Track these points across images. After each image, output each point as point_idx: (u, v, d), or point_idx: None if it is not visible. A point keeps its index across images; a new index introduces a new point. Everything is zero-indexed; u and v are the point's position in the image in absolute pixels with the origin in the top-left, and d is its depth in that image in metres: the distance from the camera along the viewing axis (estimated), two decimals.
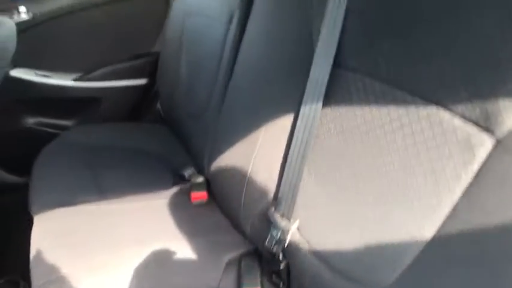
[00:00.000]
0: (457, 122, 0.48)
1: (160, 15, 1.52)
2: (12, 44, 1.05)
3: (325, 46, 0.67)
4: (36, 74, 1.38)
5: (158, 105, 1.50)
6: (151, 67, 1.51)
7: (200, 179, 1.09)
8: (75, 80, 1.41)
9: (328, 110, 0.67)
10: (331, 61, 0.66)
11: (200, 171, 1.12)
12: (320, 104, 0.67)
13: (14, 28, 1.07)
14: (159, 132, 1.40)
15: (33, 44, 1.35)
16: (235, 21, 1.03)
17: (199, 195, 1.02)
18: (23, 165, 1.20)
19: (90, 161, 1.14)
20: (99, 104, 1.48)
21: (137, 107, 1.57)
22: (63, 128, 1.45)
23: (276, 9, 0.88)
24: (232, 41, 1.02)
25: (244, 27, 0.99)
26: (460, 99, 0.48)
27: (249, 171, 0.85)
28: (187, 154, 1.24)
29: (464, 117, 0.48)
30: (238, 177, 0.88)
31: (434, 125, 0.51)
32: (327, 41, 0.67)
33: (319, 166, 0.69)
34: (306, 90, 0.70)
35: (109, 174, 1.10)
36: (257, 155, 0.83)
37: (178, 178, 1.13)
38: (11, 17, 1.27)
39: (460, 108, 0.48)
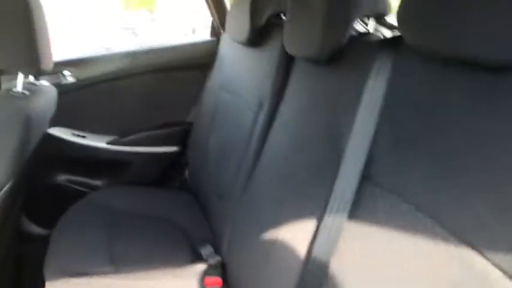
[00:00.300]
0: (493, 272, 0.43)
1: (196, 87, 1.58)
2: (51, 110, 1.10)
3: (354, 156, 0.65)
4: (73, 134, 1.44)
5: (186, 174, 1.51)
6: (183, 136, 1.54)
7: (216, 261, 1.05)
8: (109, 142, 1.46)
9: (353, 224, 0.63)
10: (358, 173, 0.63)
11: (217, 251, 1.09)
12: (345, 216, 0.64)
13: (55, 93, 1.12)
14: (185, 201, 1.39)
15: (73, 105, 1.42)
16: (265, 108, 1.04)
17: (214, 281, 0.98)
18: (50, 219, 1.22)
19: (111, 227, 1.14)
20: (130, 167, 1.51)
21: (166, 173, 1.59)
22: (92, 187, 1.48)
23: (306, 106, 0.88)
24: (261, 128, 1.03)
25: (274, 115, 1.00)
26: (497, 248, 0.43)
27: (265, 267, 0.81)
28: (208, 228, 1.23)
29: (501, 269, 0.42)
30: (254, 271, 0.84)
31: (465, 268, 0.46)
32: (356, 151, 0.65)
33: (340, 280, 0.64)
34: (331, 199, 0.67)
35: (127, 243, 1.09)
36: (276, 254, 0.79)
37: (195, 255, 1.10)
38: (56, 79, 1.36)
39: (497, 258, 0.43)
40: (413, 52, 0.62)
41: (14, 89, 0.93)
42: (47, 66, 0.92)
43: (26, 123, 0.87)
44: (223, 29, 1.51)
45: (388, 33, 1.40)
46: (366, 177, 0.63)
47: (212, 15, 1.60)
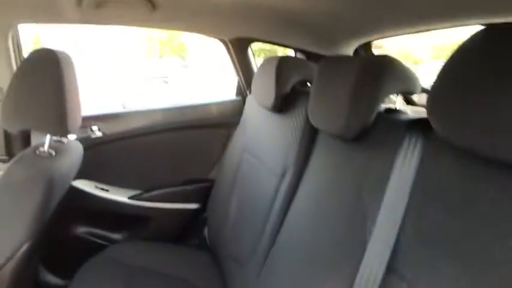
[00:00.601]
0: None
1: (220, 145, 1.60)
2: (76, 168, 1.11)
3: (379, 244, 0.62)
4: (96, 187, 1.45)
5: (205, 232, 1.49)
6: (204, 193, 1.54)
7: None
8: (130, 197, 1.47)
9: None
10: (384, 264, 0.60)
11: None
12: None
13: (81, 150, 1.13)
14: (203, 261, 1.36)
15: (99, 159, 1.45)
16: (288, 176, 1.02)
17: None
18: (68, 270, 1.21)
19: (127, 283, 1.12)
20: (150, 223, 1.51)
21: (186, 230, 1.57)
22: (111, 241, 1.47)
23: (330, 180, 0.85)
24: (284, 196, 1.00)
25: (297, 184, 0.97)
26: None
27: None
28: None
29: None
30: None
31: None
32: (381, 239, 0.62)
33: None
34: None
35: None
36: None
37: None
38: (84, 133, 1.39)
39: None
40: (442, 139, 0.60)
41: (41, 148, 0.93)
42: (75, 126, 0.93)
43: (48, 184, 0.87)
44: (249, 90, 1.53)
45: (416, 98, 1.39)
46: (391, 268, 0.60)
47: (238, 75, 1.64)
